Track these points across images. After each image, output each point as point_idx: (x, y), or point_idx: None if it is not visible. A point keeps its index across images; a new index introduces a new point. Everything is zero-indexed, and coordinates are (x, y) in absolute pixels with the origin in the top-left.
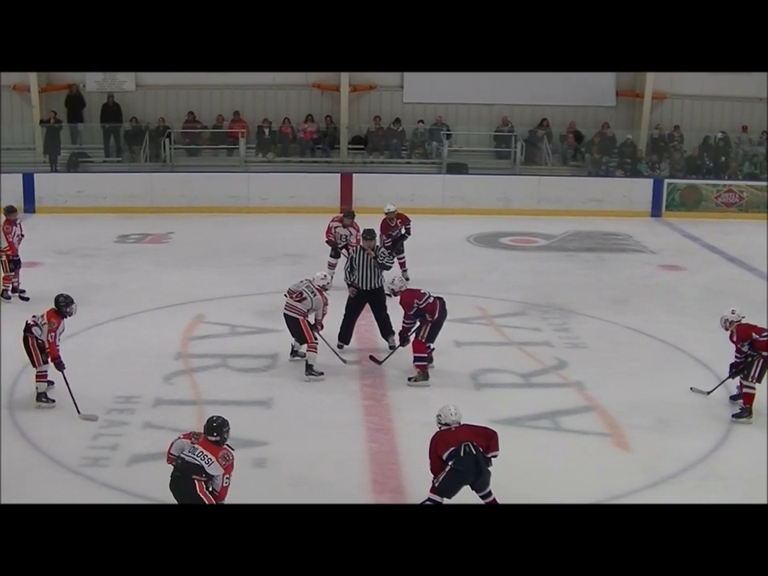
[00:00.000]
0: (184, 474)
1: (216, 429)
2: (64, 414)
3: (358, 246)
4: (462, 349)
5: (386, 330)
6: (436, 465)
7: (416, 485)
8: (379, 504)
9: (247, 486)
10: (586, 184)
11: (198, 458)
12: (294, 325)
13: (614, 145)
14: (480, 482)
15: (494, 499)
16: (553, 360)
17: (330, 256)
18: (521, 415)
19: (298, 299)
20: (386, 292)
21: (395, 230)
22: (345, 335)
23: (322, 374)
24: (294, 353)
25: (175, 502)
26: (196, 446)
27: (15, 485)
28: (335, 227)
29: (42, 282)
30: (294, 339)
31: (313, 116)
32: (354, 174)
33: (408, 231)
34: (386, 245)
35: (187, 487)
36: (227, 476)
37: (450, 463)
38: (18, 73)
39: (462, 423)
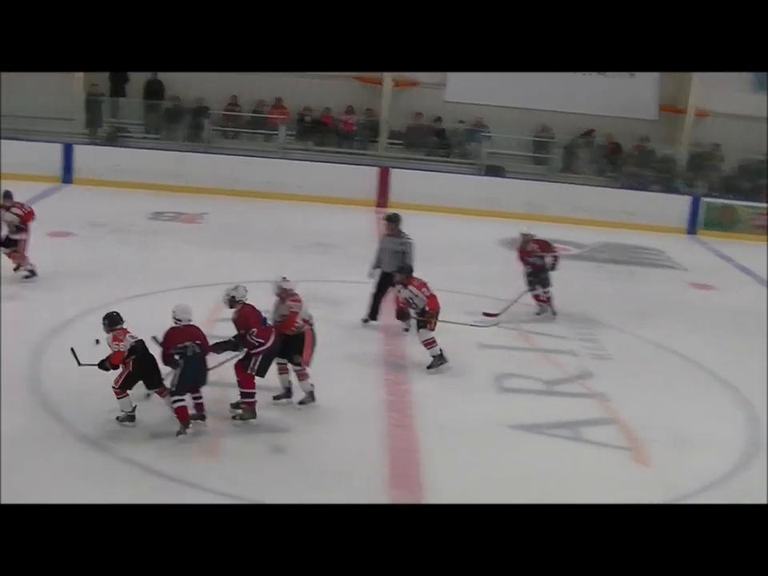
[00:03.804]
0: None
1: None
2: (84, 390)
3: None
4: (487, 351)
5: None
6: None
7: (433, 482)
8: (395, 504)
9: (263, 471)
10: (621, 196)
11: None
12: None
13: (653, 159)
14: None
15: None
16: (577, 369)
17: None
18: (541, 422)
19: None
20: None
21: (531, 255)
22: (373, 312)
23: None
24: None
25: None
26: None
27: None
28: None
29: (72, 253)
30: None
31: (353, 108)
32: (391, 169)
33: (553, 266)
34: (527, 273)
35: None
36: None
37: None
38: None
39: None
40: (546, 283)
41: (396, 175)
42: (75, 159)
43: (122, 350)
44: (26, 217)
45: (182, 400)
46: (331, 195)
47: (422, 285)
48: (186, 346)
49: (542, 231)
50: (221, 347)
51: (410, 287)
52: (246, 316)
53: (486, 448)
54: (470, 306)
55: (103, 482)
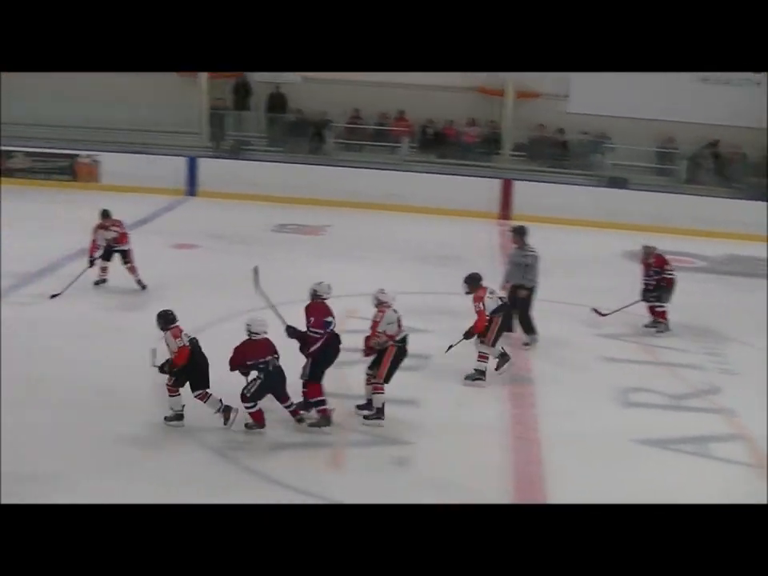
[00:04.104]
0: None
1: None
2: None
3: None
4: (612, 365)
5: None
6: None
7: (557, 496)
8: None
9: (387, 482)
10: (746, 207)
11: None
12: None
13: None
14: None
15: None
16: (703, 384)
17: None
18: (667, 438)
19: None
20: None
21: (650, 268)
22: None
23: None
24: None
25: None
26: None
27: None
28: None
29: (197, 264)
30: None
31: (476, 120)
32: (514, 181)
33: (669, 282)
34: (646, 285)
35: None
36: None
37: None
38: None
39: None
40: (662, 298)
41: (519, 187)
42: (199, 172)
43: (185, 344)
44: (121, 238)
45: (255, 405)
46: (453, 207)
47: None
48: (267, 361)
49: (666, 243)
50: (290, 332)
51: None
52: (311, 310)
53: (611, 462)
54: (591, 318)
55: (227, 490)
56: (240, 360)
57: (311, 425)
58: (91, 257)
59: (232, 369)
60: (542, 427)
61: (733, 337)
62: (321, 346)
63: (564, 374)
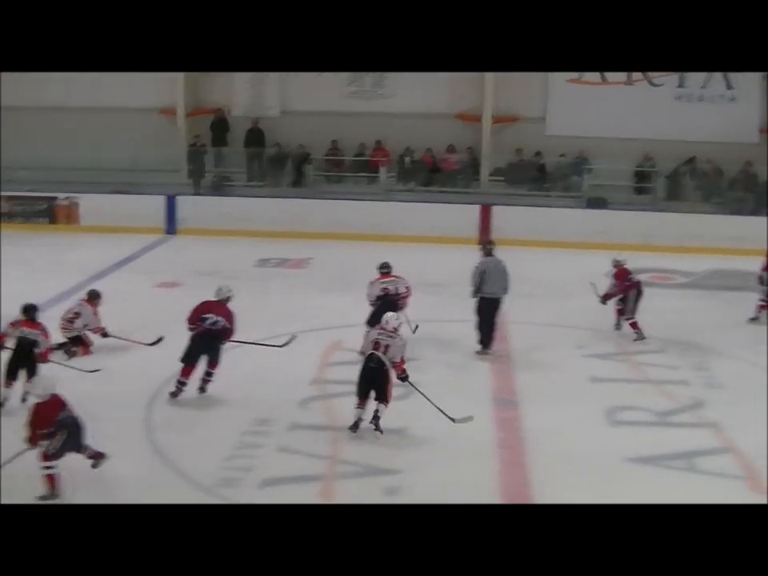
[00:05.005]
0: None
1: None
2: (199, 435)
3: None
4: (598, 385)
5: None
6: None
7: None
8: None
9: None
10: (728, 222)
11: None
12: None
13: (757, 183)
14: None
15: None
16: (690, 399)
17: None
18: (656, 454)
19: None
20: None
21: (614, 281)
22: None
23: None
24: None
25: None
26: None
27: (149, 497)
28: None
29: (181, 303)
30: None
31: (454, 146)
32: (493, 206)
33: (629, 288)
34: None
35: None
36: None
37: None
38: (166, 96)
39: None
40: (626, 309)
41: (498, 212)
42: (179, 210)
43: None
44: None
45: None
46: (435, 235)
47: None
48: (61, 418)
49: (649, 261)
50: None
51: None
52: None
53: (601, 482)
54: (580, 339)
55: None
56: (40, 429)
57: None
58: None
59: (32, 442)
60: (530, 450)
61: (719, 351)
62: (194, 335)
63: (552, 395)
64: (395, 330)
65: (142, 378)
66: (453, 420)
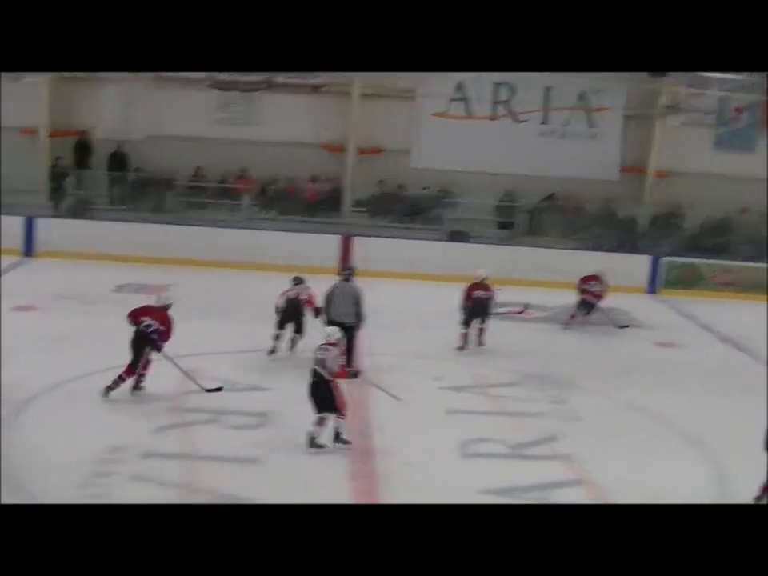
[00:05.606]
0: None
1: None
2: (55, 460)
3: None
4: (452, 417)
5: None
6: None
7: None
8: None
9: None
10: (586, 257)
11: None
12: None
13: (615, 220)
14: None
15: None
16: (544, 432)
17: None
18: (509, 487)
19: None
20: None
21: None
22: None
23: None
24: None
25: None
26: None
27: None
28: None
29: (36, 327)
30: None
31: (318, 176)
32: (354, 237)
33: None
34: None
35: None
36: None
37: None
38: (27, 116)
39: None
40: (469, 321)
41: (359, 243)
42: (38, 232)
43: None
44: None
45: None
46: (295, 264)
47: None
48: None
49: (509, 295)
50: None
51: None
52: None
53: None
54: (438, 370)
55: None
56: None
57: None
58: None
59: None
60: (383, 482)
61: (574, 383)
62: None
63: (406, 427)
64: (334, 343)
65: None
66: (397, 398)
